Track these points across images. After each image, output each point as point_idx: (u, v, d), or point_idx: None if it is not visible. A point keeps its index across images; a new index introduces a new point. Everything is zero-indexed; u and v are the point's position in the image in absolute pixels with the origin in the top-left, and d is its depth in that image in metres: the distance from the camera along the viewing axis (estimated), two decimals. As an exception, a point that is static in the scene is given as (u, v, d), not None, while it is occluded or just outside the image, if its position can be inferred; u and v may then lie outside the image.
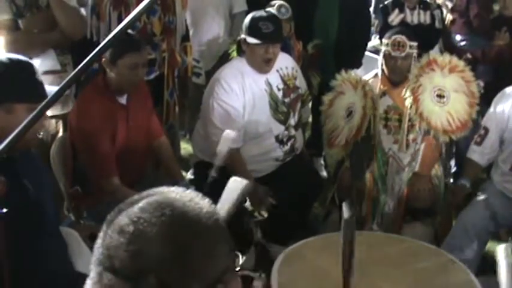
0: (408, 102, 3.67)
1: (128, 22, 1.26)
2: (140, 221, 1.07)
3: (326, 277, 2.61)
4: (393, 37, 3.66)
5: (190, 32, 4.43)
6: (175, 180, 3.49)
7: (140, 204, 1.10)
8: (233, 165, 3.56)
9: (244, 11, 4.72)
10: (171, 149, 3.68)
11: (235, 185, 1.78)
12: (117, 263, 1.06)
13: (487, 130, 3.62)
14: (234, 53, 3.89)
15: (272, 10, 4.10)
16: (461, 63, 3.75)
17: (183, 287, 1.06)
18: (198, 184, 3.96)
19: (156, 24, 3.83)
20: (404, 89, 3.71)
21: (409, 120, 3.70)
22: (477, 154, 3.67)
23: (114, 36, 1.27)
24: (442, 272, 2.75)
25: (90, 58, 1.25)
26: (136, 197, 1.14)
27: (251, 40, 3.56)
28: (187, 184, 3.99)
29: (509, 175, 3.54)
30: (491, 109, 3.64)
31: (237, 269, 3.35)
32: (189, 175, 4.34)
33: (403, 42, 3.63)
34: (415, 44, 3.68)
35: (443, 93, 3.68)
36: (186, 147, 4.82)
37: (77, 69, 1.26)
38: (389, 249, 2.93)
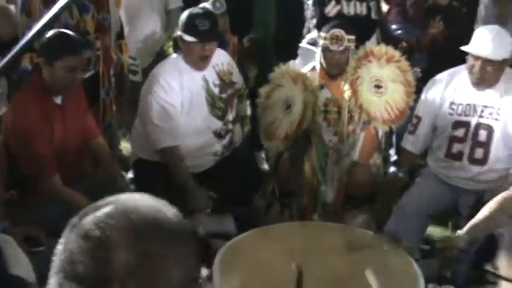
0: (347, 94, 3.71)
1: (51, 17, 1.24)
2: (106, 226, 1.04)
3: (268, 268, 2.62)
4: (331, 31, 3.67)
5: (126, 30, 4.39)
6: (113, 179, 3.47)
7: (106, 210, 1.08)
8: (172, 162, 3.55)
9: (180, 6, 4.68)
10: (108, 148, 3.65)
11: None
12: (81, 270, 1.02)
13: (419, 119, 3.68)
14: (170, 49, 3.87)
15: (207, 5, 4.09)
16: (397, 54, 3.80)
17: None
18: (138, 183, 3.95)
19: (89, 22, 3.78)
20: (342, 82, 3.74)
21: (349, 112, 3.73)
22: (410, 143, 3.74)
23: (37, 31, 1.24)
24: (382, 258, 2.79)
25: (13, 55, 1.22)
26: (103, 202, 1.11)
27: (187, 38, 3.54)
28: (128, 183, 3.96)
29: (444, 161, 3.61)
30: (423, 97, 3.69)
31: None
32: (130, 174, 4.29)
33: (341, 36, 3.65)
34: (353, 37, 3.69)
35: (381, 83, 3.72)
36: (126, 146, 4.75)
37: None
38: (330, 238, 2.96)
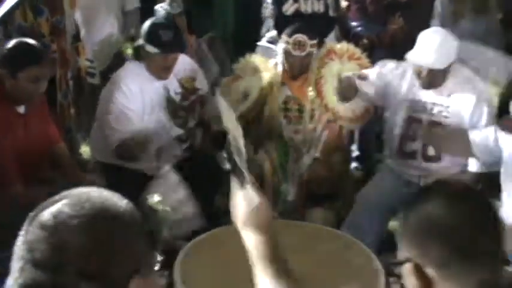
0: (312, 95, 3.72)
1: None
2: (61, 215, 1.13)
3: (229, 267, 2.61)
4: (294, 36, 3.65)
5: (82, 32, 4.34)
6: (77, 183, 3.41)
7: (62, 201, 1.16)
8: (129, 152, 3.49)
9: (137, 7, 4.65)
10: (68, 154, 3.60)
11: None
12: (38, 256, 1.10)
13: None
14: (128, 51, 3.82)
15: (163, 5, 4.06)
16: (357, 51, 3.82)
17: (102, 276, 1.11)
18: (98, 185, 3.89)
19: (43, 25, 3.74)
20: (303, 81, 3.76)
21: (310, 110, 3.74)
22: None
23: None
24: (343, 253, 2.80)
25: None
26: (58, 196, 1.18)
27: (150, 48, 3.49)
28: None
29: (399, 159, 3.64)
30: (376, 68, 3.67)
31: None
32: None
33: (304, 42, 3.64)
34: (315, 42, 3.70)
35: None
36: (86, 150, 4.70)
37: None
38: (290, 235, 2.94)
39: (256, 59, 3.89)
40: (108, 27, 4.64)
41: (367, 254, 2.81)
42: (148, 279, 1.21)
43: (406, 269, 1.37)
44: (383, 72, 3.61)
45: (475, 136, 3.16)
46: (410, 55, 3.39)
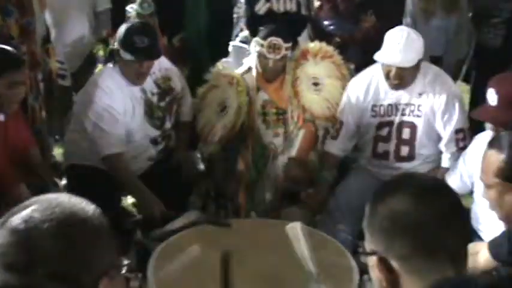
0: (289, 97, 3.73)
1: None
2: (32, 219, 1.16)
3: (202, 267, 2.61)
4: (268, 39, 3.62)
5: (53, 33, 4.29)
6: (46, 188, 3.39)
7: (32, 207, 1.19)
8: (118, 170, 3.49)
9: (108, 8, 4.62)
10: (41, 157, 3.57)
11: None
12: (9, 259, 1.13)
13: (341, 123, 3.69)
14: (100, 52, 3.78)
15: (134, 6, 4.03)
16: (330, 49, 3.83)
17: (71, 278, 1.14)
18: (71, 189, 3.87)
19: (12, 27, 3.68)
20: (278, 83, 3.75)
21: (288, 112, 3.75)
22: (334, 147, 3.75)
23: None
24: (317, 251, 2.80)
25: None
26: (27, 202, 1.22)
27: (125, 55, 3.43)
28: (62, 190, 3.87)
29: (372, 160, 3.67)
30: (345, 99, 3.69)
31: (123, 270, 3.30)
32: (63, 181, 4.21)
33: (279, 45, 3.62)
34: (289, 45, 3.68)
35: (318, 80, 3.76)
36: (58, 152, 4.66)
37: None
38: (264, 234, 2.96)
39: (227, 68, 3.87)
40: (79, 28, 4.61)
41: (342, 252, 2.82)
42: (117, 281, 1.24)
43: (372, 262, 1.37)
44: (351, 100, 3.65)
45: (452, 182, 3.12)
46: (378, 55, 3.41)
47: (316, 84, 3.74)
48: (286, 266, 2.70)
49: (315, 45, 3.85)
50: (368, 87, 3.60)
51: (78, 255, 1.17)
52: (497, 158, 2.11)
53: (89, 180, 3.51)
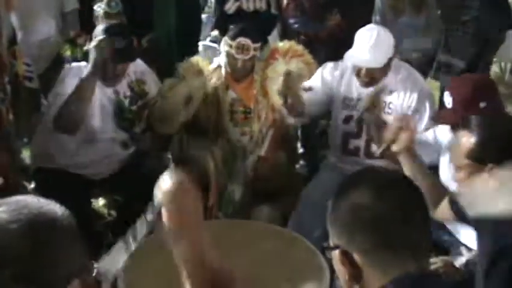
0: (257, 96, 3.72)
1: None
2: None
3: (172, 270, 2.58)
4: (237, 39, 3.61)
5: (19, 35, 4.23)
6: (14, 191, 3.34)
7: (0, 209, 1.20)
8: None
9: (76, 8, 4.57)
10: (8, 161, 3.50)
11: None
12: None
13: (310, 88, 3.56)
14: (68, 53, 3.74)
15: (102, 5, 4.00)
16: (300, 48, 3.82)
17: (38, 280, 1.15)
18: (40, 191, 3.82)
19: (-23, 29, 3.61)
20: (247, 83, 3.75)
21: (256, 111, 3.74)
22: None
23: None
24: (286, 250, 2.80)
25: None
26: None
27: None
28: (30, 194, 3.83)
29: (342, 157, 3.67)
30: (318, 73, 3.69)
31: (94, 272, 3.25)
32: (32, 184, 4.16)
33: (247, 46, 3.61)
34: (258, 45, 3.68)
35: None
36: (27, 155, 4.61)
37: None
38: (233, 234, 2.94)
39: (199, 61, 3.85)
40: (46, 29, 4.55)
41: (312, 250, 2.81)
42: (88, 283, 1.27)
43: (335, 256, 1.39)
44: (324, 76, 3.63)
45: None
46: (347, 55, 3.41)
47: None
48: (253, 265, 2.69)
49: (284, 44, 3.84)
50: (342, 76, 3.61)
51: (46, 256, 1.17)
52: (468, 139, 2.13)
53: (58, 183, 3.46)
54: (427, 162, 3.15)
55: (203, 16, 6.16)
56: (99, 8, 4.21)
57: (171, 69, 3.92)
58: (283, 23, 4.94)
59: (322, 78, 3.64)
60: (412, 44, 4.85)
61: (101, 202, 4.24)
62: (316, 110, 3.70)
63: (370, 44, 3.34)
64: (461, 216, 2.13)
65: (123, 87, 3.62)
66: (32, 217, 1.19)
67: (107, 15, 4.11)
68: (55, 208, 1.25)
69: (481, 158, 2.08)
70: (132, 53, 3.52)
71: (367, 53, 3.34)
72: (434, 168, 3.14)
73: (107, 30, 3.40)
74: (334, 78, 3.61)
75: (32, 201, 1.23)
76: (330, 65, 3.68)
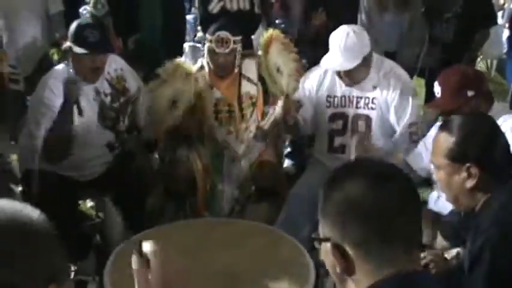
0: (243, 94, 3.75)
1: None
2: None
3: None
4: (216, 33, 3.61)
5: (4, 37, 4.23)
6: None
7: None
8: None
9: (61, 10, 4.56)
10: None
11: None
12: None
13: (300, 106, 3.65)
14: (55, 56, 3.73)
15: (88, 7, 4.00)
16: (291, 44, 3.82)
17: (14, 286, 1.11)
18: (28, 194, 3.81)
19: (-38, 33, 3.61)
20: (230, 81, 3.74)
21: (240, 110, 3.75)
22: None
23: None
24: (273, 248, 2.82)
25: None
26: None
27: (77, 49, 3.37)
28: (19, 197, 3.82)
29: (328, 154, 3.68)
30: (300, 90, 3.69)
31: (72, 274, 3.27)
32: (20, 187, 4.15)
33: (227, 39, 3.60)
34: (239, 38, 3.67)
35: (280, 68, 3.72)
36: (14, 158, 4.59)
37: None
38: (222, 233, 2.96)
39: (183, 64, 3.85)
40: (31, 31, 4.54)
41: (298, 248, 2.83)
42: (66, 286, 1.22)
43: (325, 248, 1.36)
44: (306, 87, 3.67)
45: (411, 160, 3.19)
46: (323, 60, 3.44)
47: (279, 70, 3.70)
48: (240, 263, 2.71)
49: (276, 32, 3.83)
50: (324, 77, 3.62)
51: (20, 262, 1.13)
52: (447, 139, 2.15)
53: (45, 185, 3.46)
54: (423, 175, 3.19)
55: (189, 17, 6.17)
56: (85, 11, 4.21)
57: (157, 70, 3.92)
58: (267, 22, 4.95)
59: (305, 90, 3.68)
60: (396, 42, 4.89)
61: (88, 204, 4.23)
62: (309, 128, 3.76)
63: (341, 47, 3.35)
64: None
65: (103, 85, 3.60)
66: (7, 223, 1.16)
67: (94, 17, 4.11)
68: (30, 213, 1.20)
69: (460, 158, 2.10)
70: (107, 43, 3.53)
71: (339, 56, 3.36)
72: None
73: (80, 25, 3.42)
74: (315, 83, 3.64)
75: (7, 206, 1.19)
76: (309, 74, 3.71)
